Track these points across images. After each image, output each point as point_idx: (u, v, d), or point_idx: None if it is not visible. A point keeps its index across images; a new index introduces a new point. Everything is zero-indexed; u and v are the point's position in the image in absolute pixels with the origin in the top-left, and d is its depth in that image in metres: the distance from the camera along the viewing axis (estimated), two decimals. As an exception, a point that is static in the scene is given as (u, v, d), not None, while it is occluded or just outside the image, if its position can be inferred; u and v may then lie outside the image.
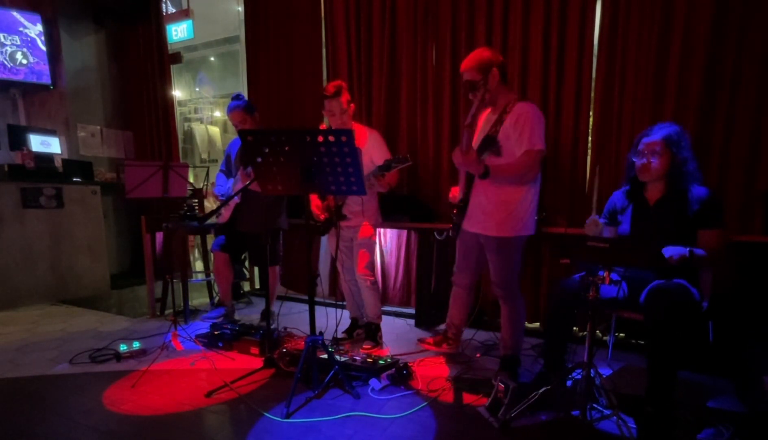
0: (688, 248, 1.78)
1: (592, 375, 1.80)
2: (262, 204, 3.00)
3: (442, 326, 2.78)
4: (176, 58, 4.62)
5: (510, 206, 2.20)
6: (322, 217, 2.74)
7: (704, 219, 1.90)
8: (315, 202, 2.79)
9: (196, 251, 4.80)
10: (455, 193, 2.46)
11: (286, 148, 1.96)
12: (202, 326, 3.13)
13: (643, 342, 2.73)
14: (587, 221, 2.00)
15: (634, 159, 2.05)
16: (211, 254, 4.08)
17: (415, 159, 3.36)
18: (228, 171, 3.26)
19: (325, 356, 2.28)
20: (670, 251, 1.77)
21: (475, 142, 2.26)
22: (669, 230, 1.93)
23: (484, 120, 2.32)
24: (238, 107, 3.03)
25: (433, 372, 2.43)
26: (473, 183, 2.30)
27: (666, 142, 1.95)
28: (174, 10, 5.01)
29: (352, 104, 2.66)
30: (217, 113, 6.41)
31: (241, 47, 4.45)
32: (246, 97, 3.16)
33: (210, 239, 4.17)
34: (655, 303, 1.80)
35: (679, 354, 1.75)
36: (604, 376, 2.04)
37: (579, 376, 1.84)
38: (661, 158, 1.96)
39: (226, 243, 3.20)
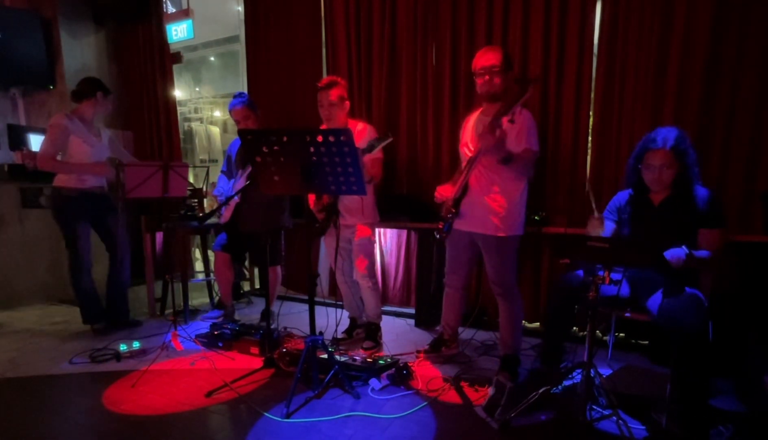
0: (684, 251, 1.79)
1: (592, 375, 1.79)
2: (262, 204, 3.00)
3: (439, 328, 2.78)
4: (176, 58, 4.62)
5: (510, 206, 2.26)
6: (319, 217, 2.72)
7: (707, 219, 1.92)
8: (311, 202, 2.78)
9: (197, 251, 4.80)
10: (444, 193, 2.40)
11: (286, 148, 1.96)
12: (202, 326, 3.13)
13: (643, 342, 2.73)
14: (590, 219, 2.01)
15: (643, 172, 2.03)
16: (211, 253, 4.07)
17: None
18: (229, 172, 3.26)
19: (325, 356, 2.28)
20: (669, 254, 1.78)
21: (472, 139, 2.32)
22: (674, 230, 1.93)
23: (476, 120, 2.36)
24: (242, 103, 3.04)
25: (433, 371, 2.43)
26: (469, 184, 2.31)
27: (674, 152, 1.94)
28: (174, 10, 5.00)
29: (346, 102, 2.67)
30: (217, 113, 6.41)
31: (241, 47, 4.45)
32: (245, 95, 3.16)
33: (210, 239, 4.17)
34: (678, 323, 1.78)
35: (709, 363, 1.76)
36: (604, 376, 2.04)
37: (579, 376, 1.84)
38: (670, 169, 1.97)
39: (228, 243, 3.20)
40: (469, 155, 2.29)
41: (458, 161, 2.56)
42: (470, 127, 2.39)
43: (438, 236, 2.41)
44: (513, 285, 2.34)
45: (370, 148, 2.36)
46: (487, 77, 2.23)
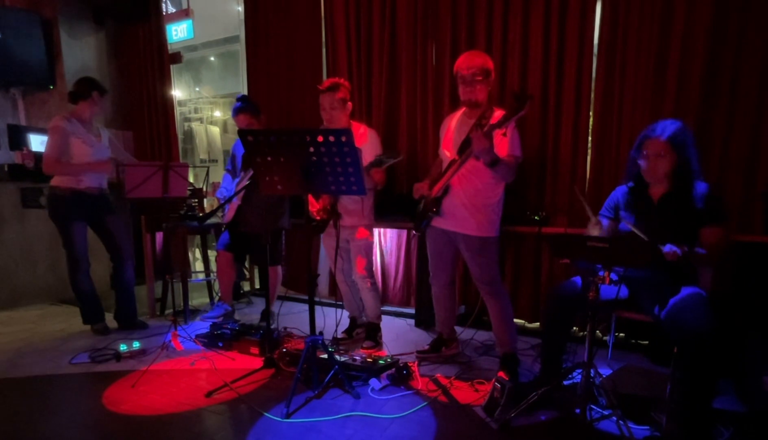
0: (684, 249, 1.77)
1: (592, 375, 1.79)
2: (263, 204, 2.99)
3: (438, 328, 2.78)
4: (176, 58, 4.62)
5: (488, 208, 2.32)
6: (318, 217, 2.71)
7: (708, 216, 1.88)
8: (311, 202, 2.77)
9: (197, 251, 4.80)
10: (422, 189, 2.43)
11: (286, 148, 1.96)
12: (202, 326, 3.13)
13: (643, 342, 2.73)
14: (589, 224, 2.02)
15: (639, 161, 2.01)
16: (211, 253, 4.07)
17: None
18: (234, 171, 3.26)
19: (325, 356, 2.28)
20: (668, 247, 1.77)
21: (452, 143, 2.36)
22: (673, 227, 1.92)
23: (458, 121, 2.39)
24: (244, 110, 3.04)
25: (433, 372, 2.43)
26: (451, 185, 2.33)
27: (671, 143, 1.91)
28: (174, 10, 5.01)
29: (349, 103, 2.67)
30: (217, 113, 6.41)
31: (241, 47, 4.45)
32: (248, 99, 3.16)
33: (210, 239, 4.17)
34: (686, 324, 1.74)
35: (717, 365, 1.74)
36: (604, 376, 2.04)
37: (579, 376, 1.84)
38: (666, 159, 1.93)
39: (231, 243, 3.20)
40: (451, 156, 2.32)
41: (439, 158, 2.56)
42: (452, 128, 2.41)
43: (416, 232, 2.44)
44: (498, 281, 2.41)
45: (378, 163, 2.41)
46: (468, 87, 2.26)
